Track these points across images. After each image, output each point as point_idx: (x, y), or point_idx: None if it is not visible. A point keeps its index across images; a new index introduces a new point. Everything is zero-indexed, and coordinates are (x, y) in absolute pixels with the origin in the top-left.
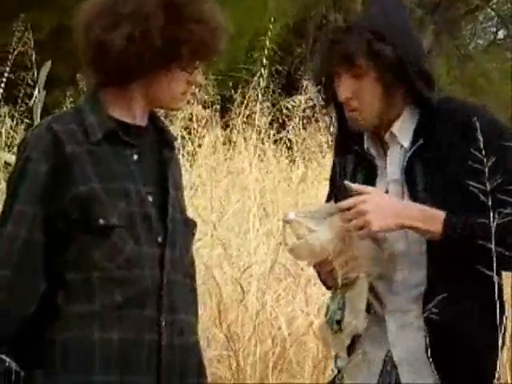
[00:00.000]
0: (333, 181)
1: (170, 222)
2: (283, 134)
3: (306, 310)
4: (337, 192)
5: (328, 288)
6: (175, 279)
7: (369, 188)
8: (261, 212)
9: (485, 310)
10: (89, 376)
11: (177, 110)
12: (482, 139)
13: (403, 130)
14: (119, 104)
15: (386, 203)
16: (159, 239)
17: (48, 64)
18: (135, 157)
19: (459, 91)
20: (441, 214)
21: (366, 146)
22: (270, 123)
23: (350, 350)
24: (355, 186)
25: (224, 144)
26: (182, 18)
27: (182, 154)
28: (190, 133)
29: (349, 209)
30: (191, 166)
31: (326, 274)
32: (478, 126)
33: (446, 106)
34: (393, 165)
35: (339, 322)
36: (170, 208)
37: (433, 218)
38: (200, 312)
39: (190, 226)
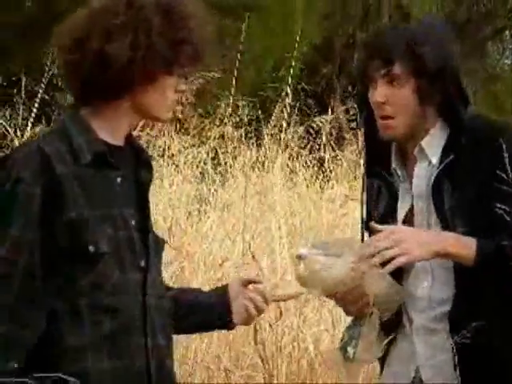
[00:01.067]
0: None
1: (151, 245)
2: (309, 151)
3: (332, 332)
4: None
5: (347, 314)
6: (154, 303)
7: (396, 226)
8: (288, 231)
9: None
10: None
11: (166, 122)
12: (508, 161)
13: (433, 146)
14: (103, 123)
15: (418, 233)
16: (142, 263)
17: None
18: (119, 180)
19: (486, 111)
20: (473, 241)
21: (393, 166)
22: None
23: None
24: (381, 227)
25: (254, 163)
26: (181, 20)
27: (215, 173)
28: (219, 153)
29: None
30: (222, 185)
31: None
32: (504, 147)
33: (474, 124)
34: (420, 180)
35: (350, 351)
36: (150, 230)
37: (466, 245)
38: (234, 332)
39: (160, 244)
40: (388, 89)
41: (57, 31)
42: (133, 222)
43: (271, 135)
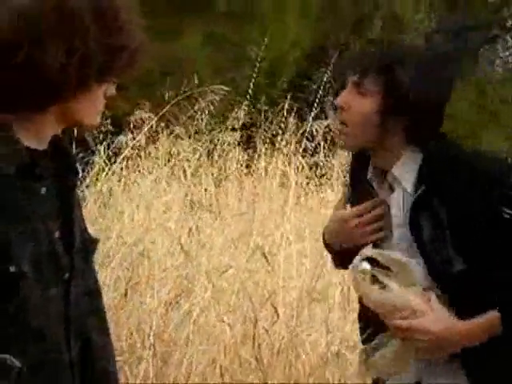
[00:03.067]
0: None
1: (76, 254)
2: (304, 157)
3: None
4: None
5: (338, 266)
6: (81, 309)
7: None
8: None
9: None
10: None
11: (94, 128)
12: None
13: (405, 173)
14: (28, 129)
15: (436, 331)
16: (66, 276)
17: None
18: (43, 190)
19: (477, 119)
20: (496, 316)
21: (369, 177)
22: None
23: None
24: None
25: (248, 168)
26: (117, 26)
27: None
28: (212, 157)
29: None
30: (216, 187)
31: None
32: (495, 191)
33: (449, 153)
34: (397, 210)
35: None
36: (76, 239)
37: (490, 326)
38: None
39: (90, 246)
40: (353, 97)
41: None
42: (57, 234)
43: (266, 139)
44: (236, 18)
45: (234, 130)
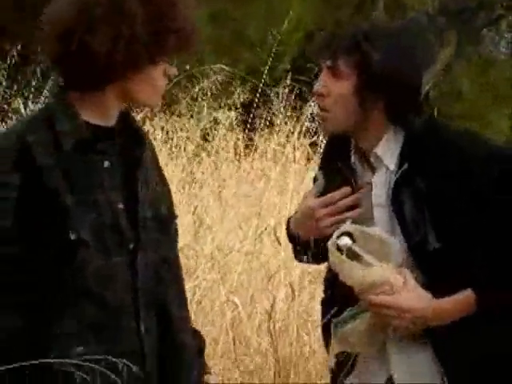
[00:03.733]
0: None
1: (142, 224)
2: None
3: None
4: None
5: (299, 258)
6: (150, 284)
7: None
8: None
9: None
10: None
11: (156, 107)
12: (483, 180)
13: (388, 152)
14: (92, 106)
15: (413, 308)
16: (130, 246)
17: None
18: (106, 163)
19: (481, 98)
20: (470, 295)
21: (353, 160)
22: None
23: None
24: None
25: (246, 148)
26: (164, 7)
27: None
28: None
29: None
30: (216, 168)
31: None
32: (478, 166)
33: (434, 131)
34: (378, 188)
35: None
36: (140, 211)
37: (465, 305)
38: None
39: (166, 222)
40: (330, 81)
41: (42, 20)
42: (120, 206)
43: (266, 120)
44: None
45: (231, 109)
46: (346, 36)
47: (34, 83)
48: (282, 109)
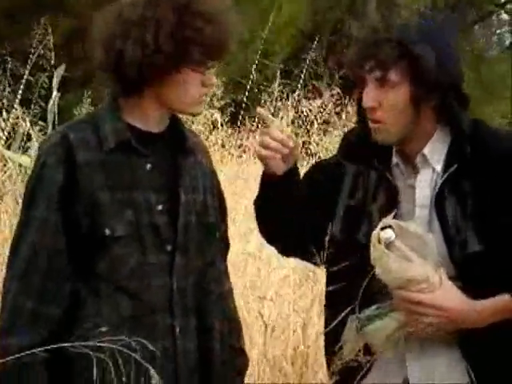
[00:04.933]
0: (334, 187)
1: (182, 229)
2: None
3: None
4: (348, 211)
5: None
6: (188, 285)
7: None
8: None
9: None
10: None
11: (197, 115)
12: None
13: (435, 152)
14: (134, 110)
15: (450, 307)
16: (168, 247)
17: (62, 67)
18: (148, 166)
19: (475, 95)
20: (508, 300)
21: (395, 162)
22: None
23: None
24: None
25: (237, 148)
26: (192, 19)
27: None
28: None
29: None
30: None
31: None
32: None
33: (477, 132)
34: (423, 189)
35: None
36: (181, 215)
37: (502, 308)
38: None
39: (211, 229)
40: (380, 93)
41: (93, 27)
42: (159, 207)
43: (255, 118)
44: None
45: (217, 107)
46: (391, 43)
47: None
48: (272, 108)
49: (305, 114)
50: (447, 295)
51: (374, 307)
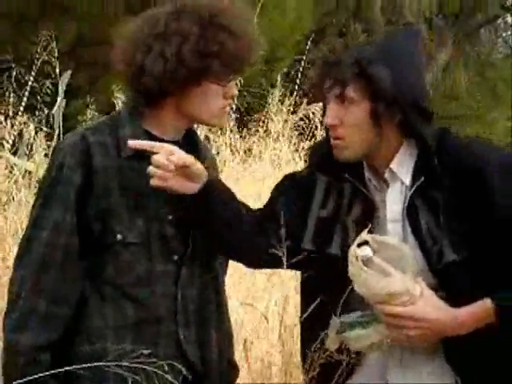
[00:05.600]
0: (302, 193)
1: (192, 240)
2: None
3: None
4: (320, 223)
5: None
6: (192, 294)
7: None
8: None
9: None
10: None
11: (219, 126)
12: (497, 193)
13: (402, 166)
14: (154, 120)
15: (438, 322)
16: (175, 257)
17: (68, 73)
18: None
19: (479, 99)
20: (488, 305)
21: (367, 177)
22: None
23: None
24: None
25: (245, 153)
26: (215, 32)
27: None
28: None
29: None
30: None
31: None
32: (490, 180)
33: (444, 143)
34: (393, 204)
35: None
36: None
37: (483, 314)
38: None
39: None
40: (340, 110)
41: (115, 40)
42: (169, 217)
43: (262, 122)
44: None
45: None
46: (350, 61)
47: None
48: (274, 113)
49: (309, 117)
50: (428, 306)
51: (358, 314)
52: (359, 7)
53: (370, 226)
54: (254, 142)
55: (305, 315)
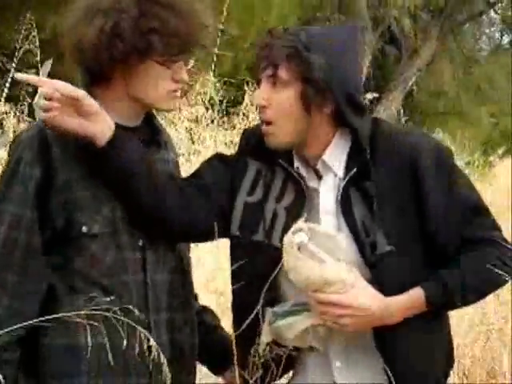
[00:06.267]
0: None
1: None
2: None
3: None
4: (248, 209)
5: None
6: (160, 279)
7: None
8: None
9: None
10: (75, 381)
11: (168, 111)
12: (429, 180)
13: (335, 158)
14: (107, 103)
15: (365, 307)
16: (140, 243)
17: (49, 62)
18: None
19: (464, 95)
20: (420, 294)
21: (295, 165)
22: None
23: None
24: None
25: (226, 145)
26: (156, 10)
27: (183, 154)
28: (192, 134)
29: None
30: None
31: None
32: (423, 164)
33: (381, 133)
34: (326, 195)
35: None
36: None
37: (415, 303)
38: None
39: None
40: (271, 91)
41: (64, 17)
42: None
43: (244, 116)
44: None
45: (207, 108)
46: (284, 43)
47: None
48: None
49: None
50: (361, 294)
51: (290, 303)
52: (344, 2)
53: (305, 215)
54: (236, 134)
55: (241, 329)
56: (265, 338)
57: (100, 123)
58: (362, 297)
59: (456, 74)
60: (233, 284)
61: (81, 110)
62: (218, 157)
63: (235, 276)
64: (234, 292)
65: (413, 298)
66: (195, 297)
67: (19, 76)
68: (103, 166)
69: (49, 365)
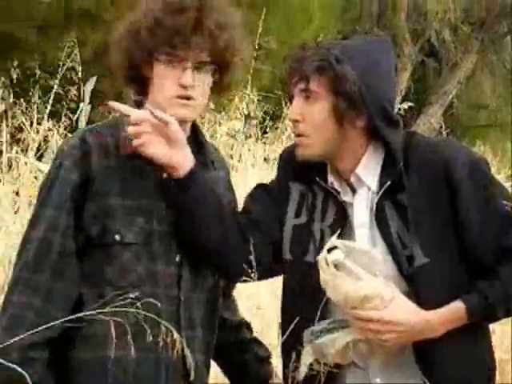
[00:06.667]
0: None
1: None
2: None
3: None
4: (298, 234)
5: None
6: (194, 297)
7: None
8: None
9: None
10: None
11: (176, 118)
12: (464, 191)
13: (368, 171)
14: None
15: (404, 322)
16: (177, 258)
17: (93, 79)
18: (164, 174)
19: (505, 108)
20: (461, 307)
21: (329, 181)
22: None
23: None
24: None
25: (265, 160)
26: (158, 10)
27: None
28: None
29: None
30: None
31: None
32: (458, 175)
33: (415, 146)
34: (360, 209)
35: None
36: None
37: (456, 316)
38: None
39: None
40: (304, 105)
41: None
42: (171, 217)
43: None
44: (257, 8)
45: (238, 119)
46: (315, 57)
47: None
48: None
49: None
50: (400, 309)
51: (328, 321)
52: (383, 15)
53: (339, 231)
54: (274, 149)
55: (284, 337)
56: (305, 358)
57: (182, 153)
58: (401, 312)
59: (496, 87)
60: (285, 306)
61: (167, 137)
62: (261, 188)
63: (287, 297)
64: (285, 312)
65: (453, 311)
66: (248, 325)
67: (110, 104)
68: (177, 194)
69: (78, 378)
